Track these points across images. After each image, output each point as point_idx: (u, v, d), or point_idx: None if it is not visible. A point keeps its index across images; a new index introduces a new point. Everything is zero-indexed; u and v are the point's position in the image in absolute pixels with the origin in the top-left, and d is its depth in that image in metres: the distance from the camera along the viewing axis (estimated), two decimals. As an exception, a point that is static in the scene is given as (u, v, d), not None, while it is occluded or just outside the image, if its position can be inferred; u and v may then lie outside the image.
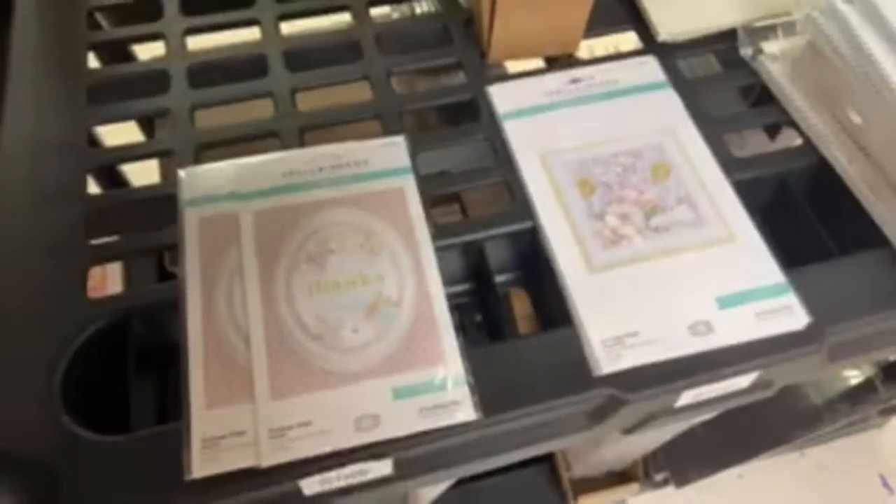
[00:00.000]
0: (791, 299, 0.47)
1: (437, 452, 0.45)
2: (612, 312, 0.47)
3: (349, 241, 0.49)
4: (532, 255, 0.53)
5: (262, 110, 0.58)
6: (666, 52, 0.61)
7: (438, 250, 0.49)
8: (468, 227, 0.53)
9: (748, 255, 0.50)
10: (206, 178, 0.52)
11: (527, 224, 0.52)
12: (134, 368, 0.51)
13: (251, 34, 0.64)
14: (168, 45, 0.62)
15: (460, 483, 0.68)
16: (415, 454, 0.44)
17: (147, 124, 0.77)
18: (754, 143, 0.70)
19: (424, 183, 0.53)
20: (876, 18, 0.51)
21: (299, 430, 0.42)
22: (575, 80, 0.59)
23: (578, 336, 0.47)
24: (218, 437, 0.41)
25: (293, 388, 0.43)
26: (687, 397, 0.47)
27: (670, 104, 0.58)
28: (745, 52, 0.60)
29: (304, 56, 0.62)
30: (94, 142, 0.65)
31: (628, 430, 0.51)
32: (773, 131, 0.70)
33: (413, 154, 0.54)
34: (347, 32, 0.64)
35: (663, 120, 0.56)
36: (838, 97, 0.54)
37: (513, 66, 0.64)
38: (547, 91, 0.58)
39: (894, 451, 1.26)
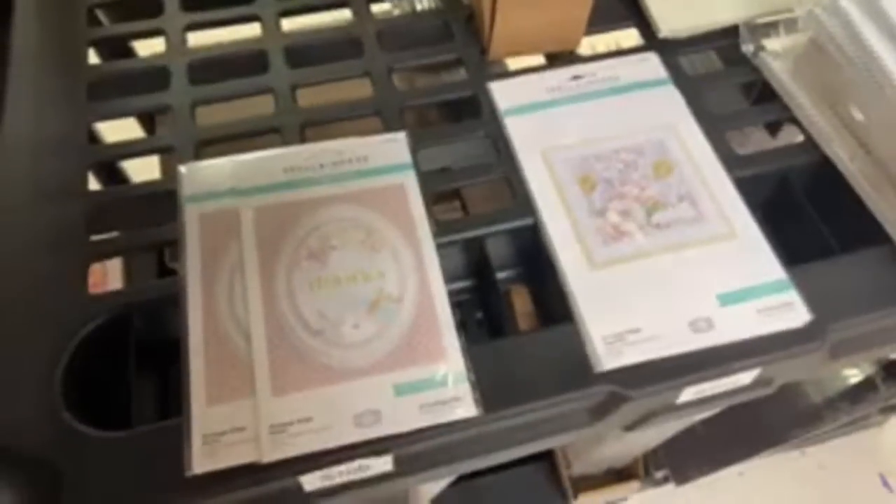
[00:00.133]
0: (792, 296, 0.47)
1: (438, 449, 0.45)
2: (614, 309, 0.47)
3: (350, 238, 0.49)
4: (533, 252, 0.53)
5: (262, 107, 0.58)
6: (667, 49, 0.61)
7: (439, 247, 0.49)
8: (469, 223, 0.53)
9: (749, 252, 0.49)
10: (206, 174, 0.52)
11: (528, 221, 0.52)
12: (135, 364, 0.51)
13: (252, 30, 0.64)
14: (168, 42, 0.62)
15: (460, 480, 0.68)
16: (415, 450, 0.44)
17: (147, 121, 0.77)
18: (756, 139, 0.70)
19: (425, 179, 0.53)
20: (878, 15, 0.51)
21: (300, 426, 0.42)
22: (576, 77, 0.59)
23: (579, 333, 0.46)
24: (218, 433, 0.41)
25: (294, 384, 0.43)
26: (688, 394, 0.47)
27: (672, 101, 0.58)
28: (747, 48, 0.60)
29: (305, 52, 0.62)
30: (94, 138, 0.64)
31: (629, 427, 0.51)
32: (774, 128, 0.70)
33: (414, 150, 0.54)
34: (348, 29, 0.64)
35: (665, 117, 0.56)
36: (840, 94, 0.54)
37: (514, 63, 0.64)
38: (548, 87, 0.58)
39: (894, 450, 1.26)
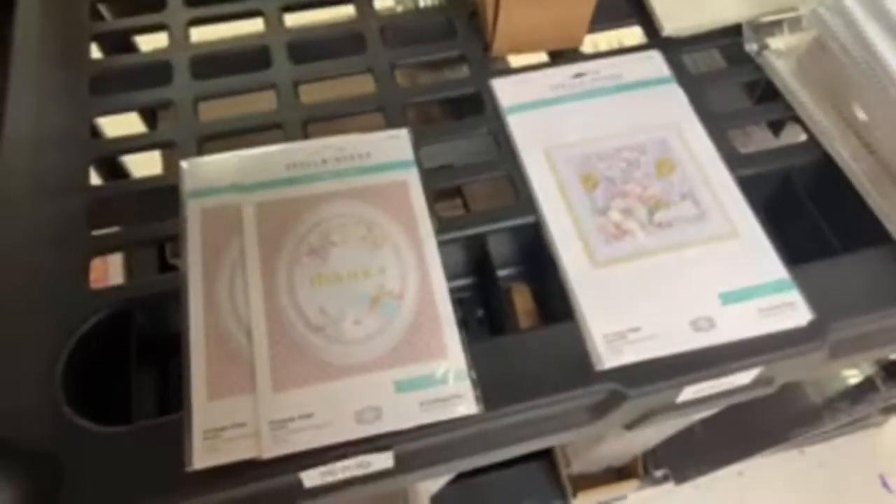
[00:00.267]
0: (794, 296, 0.47)
1: (439, 446, 0.45)
2: (615, 307, 0.47)
3: (351, 234, 0.49)
4: (535, 250, 0.53)
5: (265, 102, 0.58)
6: (670, 47, 0.61)
7: (441, 244, 0.49)
8: (471, 220, 0.53)
9: (751, 252, 0.49)
10: (208, 169, 0.52)
11: (529, 218, 0.52)
12: (135, 359, 0.51)
13: (254, 26, 0.64)
14: (171, 36, 0.62)
15: (460, 477, 0.68)
16: (416, 447, 0.44)
17: (149, 115, 0.77)
18: (758, 138, 0.70)
19: (427, 176, 0.53)
20: (882, 14, 0.50)
21: (300, 422, 0.42)
22: (579, 75, 0.59)
23: (580, 331, 0.46)
24: (219, 429, 0.41)
25: (294, 380, 0.43)
26: (688, 393, 0.47)
27: (674, 99, 0.57)
28: (750, 47, 0.60)
29: (308, 48, 0.62)
30: (96, 133, 0.64)
31: (629, 426, 0.51)
32: (777, 127, 0.70)
33: (416, 147, 0.54)
34: (351, 25, 0.64)
35: (667, 115, 0.56)
36: (843, 93, 0.54)
37: (516, 60, 0.64)
38: (551, 85, 0.58)
39: (894, 450, 1.26)
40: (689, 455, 1.05)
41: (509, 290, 0.60)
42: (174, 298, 0.46)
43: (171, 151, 0.55)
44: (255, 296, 0.46)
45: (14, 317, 0.47)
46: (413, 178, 0.52)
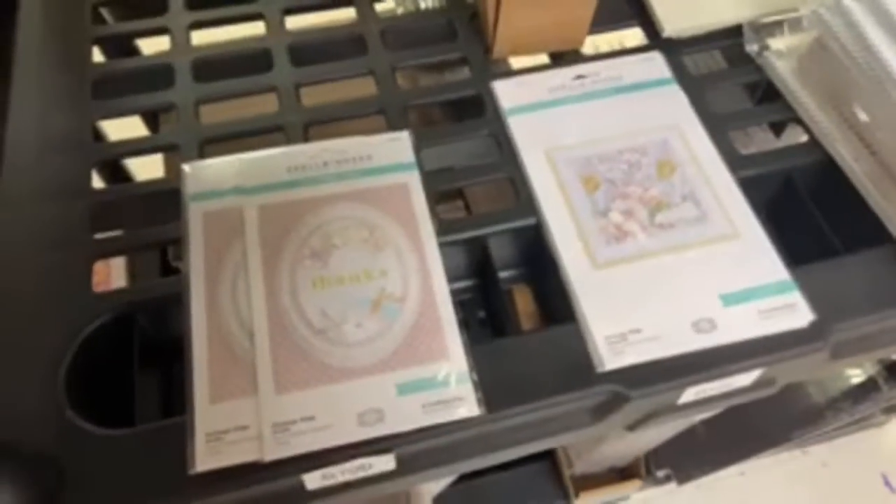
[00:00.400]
0: (795, 297, 0.47)
1: (440, 448, 0.45)
2: (616, 309, 0.47)
3: (353, 237, 0.49)
4: (536, 252, 0.53)
5: (266, 105, 0.58)
6: (671, 49, 0.61)
7: (442, 246, 0.49)
8: (472, 223, 0.53)
9: (752, 253, 0.49)
10: (210, 172, 0.52)
11: (531, 220, 0.52)
12: (138, 362, 0.51)
13: (256, 29, 0.64)
14: (173, 40, 0.62)
15: (462, 479, 0.68)
16: (418, 450, 0.44)
17: (151, 119, 0.77)
18: (759, 139, 0.70)
19: (429, 178, 0.53)
20: (882, 14, 0.50)
21: (303, 424, 0.42)
22: (580, 77, 0.59)
23: (582, 332, 0.47)
24: (221, 432, 0.41)
25: (296, 382, 0.43)
26: (690, 394, 0.47)
27: (675, 101, 0.57)
28: (751, 48, 0.60)
29: (309, 51, 0.62)
30: (98, 136, 0.65)
31: (631, 427, 0.51)
32: (778, 128, 0.70)
33: (417, 149, 0.54)
34: (352, 27, 0.64)
35: (668, 116, 0.56)
36: (844, 94, 0.54)
37: (517, 62, 0.64)
38: (552, 87, 0.58)
39: (897, 450, 1.26)
40: (691, 455, 1.05)
41: (511, 291, 0.60)
42: (177, 301, 0.47)
43: (173, 155, 0.55)
44: (257, 298, 0.46)
45: (17, 320, 0.47)
46: (414, 181, 0.52)
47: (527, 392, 0.45)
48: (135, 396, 0.51)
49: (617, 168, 0.53)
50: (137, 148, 0.57)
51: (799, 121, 0.57)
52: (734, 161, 0.54)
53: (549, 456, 1.01)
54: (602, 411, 0.47)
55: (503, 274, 0.59)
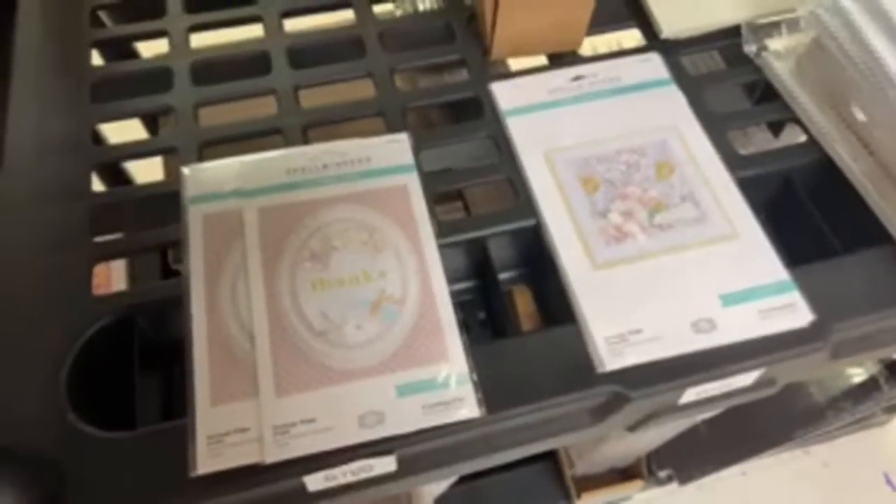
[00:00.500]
0: (795, 297, 0.47)
1: (441, 449, 0.45)
2: (616, 310, 0.47)
3: (353, 239, 0.49)
4: (535, 253, 0.53)
5: (265, 108, 0.58)
6: (669, 49, 0.61)
7: (442, 248, 0.49)
8: (472, 224, 0.53)
9: (752, 253, 0.49)
10: (209, 175, 0.52)
11: (530, 221, 0.52)
12: (139, 365, 0.52)
13: (254, 31, 0.64)
14: (171, 43, 0.62)
15: (463, 480, 0.68)
16: (418, 451, 0.44)
17: (151, 122, 0.78)
18: (758, 140, 0.70)
19: (428, 180, 0.53)
20: (880, 15, 0.51)
21: (303, 426, 0.42)
22: (578, 78, 0.59)
23: (582, 333, 0.47)
24: (222, 434, 0.42)
25: (297, 384, 0.43)
26: (690, 395, 0.47)
27: (674, 101, 0.58)
28: (749, 48, 0.60)
29: (308, 53, 0.62)
30: (98, 139, 0.65)
31: (632, 428, 0.51)
32: (777, 128, 0.70)
33: (416, 151, 0.54)
34: (350, 29, 0.64)
35: (667, 117, 0.56)
36: (842, 94, 0.54)
37: (516, 64, 0.64)
38: (550, 88, 0.58)
39: (898, 449, 1.26)
40: (692, 455, 1.05)
41: (510, 292, 0.60)
42: (177, 304, 0.47)
43: (173, 157, 0.55)
44: (257, 301, 0.46)
45: (18, 323, 0.47)
46: (413, 182, 0.52)
47: (527, 393, 0.45)
48: (136, 399, 0.51)
49: (616, 169, 0.53)
50: (137, 151, 0.57)
51: (797, 121, 0.57)
52: (733, 161, 0.54)
53: (550, 457, 1.01)
54: (602, 412, 0.47)
55: (503, 275, 0.59)
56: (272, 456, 0.41)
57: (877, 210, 0.51)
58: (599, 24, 0.61)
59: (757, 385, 0.49)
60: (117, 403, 0.50)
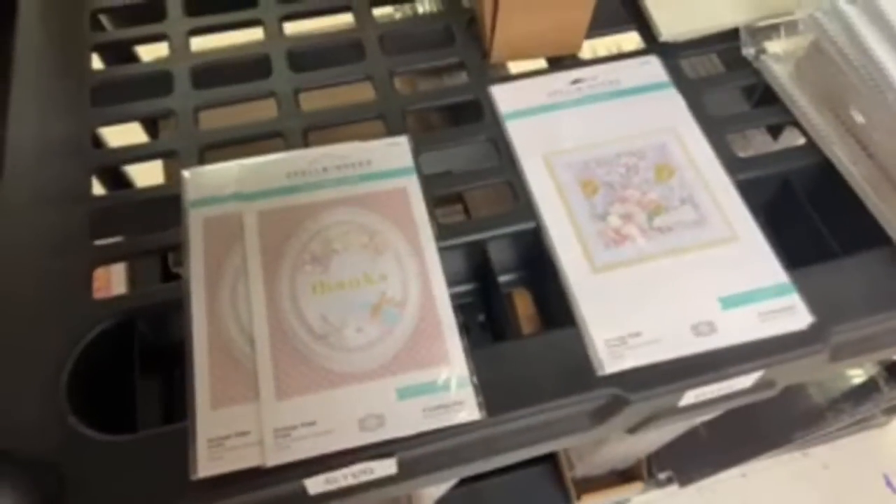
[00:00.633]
0: (794, 299, 0.48)
1: (441, 452, 0.45)
2: (615, 312, 0.47)
3: (353, 241, 0.49)
4: (535, 256, 0.53)
5: (265, 111, 0.58)
6: (668, 52, 0.61)
7: (442, 250, 0.50)
8: (472, 227, 0.53)
9: (751, 256, 0.50)
10: (210, 178, 0.52)
11: (530, 224, 0.52)
12: (139, 369, 0.52)
13: (254, 35, 0.64)
14: (171, 46, 0.62)
15: (463, 483, 0.68)
16: (419, 454, 0.44)
17: (151, 125, 0.78)
18: (757, 143, 0.70)
19: (428, 183, 0.53)
20: (878, 18, 0.51)
21: (304, 429, 0.42)
22: (577, 81, 0.59)
23: (581, 336, 0.47)
24: (223, 437, 0.42)
25: (297, 387, 0.43)
26: (690, 397, 0.47)
27: (673, 104, 0.58)
28: (748, 51, 0.60)
29: (308, 56, 0.62)
30: (98, 143, 0.65)
31: (632, 430, 0.51)
32: (775, 131, 0.70)
33: (416, 154, 0.54)
34: (350, 33, 0.64)
35: (666, 120, 0.57)
36: (841, 97, 0.54)
37: (515, 67, 0.64)
38: (549, 91, 0.58)
39: (898, 451, 1.26)
40: (692, 457, 1.05)
41: (510, 295, 0.60)
42: (177, 307, 0.47)
43: (173, 161, 0.56)
44: (257, 304, 0.46)
45: (18, 327, 0.47)
46: (413, 185, 0.53)
47: (527, 395, 0.45)
48: (136, 402, 0.51)
49: (615, 172, 0.53)
50: (137, 154, 0.57)
51: (796, 124, 0.57)
52: (732, 164, 0.54)
53: (550, 459, 1.01)
54: (602, 414, 0.47)
55: (503, 278, 0.59)
56: (273, 459, 0.41)
57: (876, 212, 0.52)
58: (599, 27, 0.61)
59: (756, 387, 0.49)
60: (118, 407, 0.50)
